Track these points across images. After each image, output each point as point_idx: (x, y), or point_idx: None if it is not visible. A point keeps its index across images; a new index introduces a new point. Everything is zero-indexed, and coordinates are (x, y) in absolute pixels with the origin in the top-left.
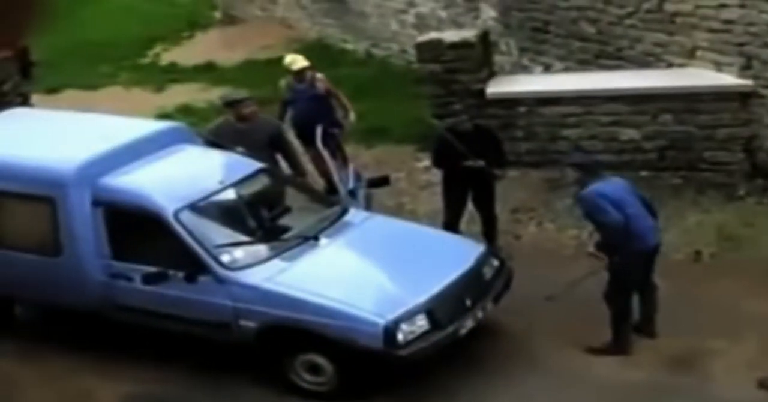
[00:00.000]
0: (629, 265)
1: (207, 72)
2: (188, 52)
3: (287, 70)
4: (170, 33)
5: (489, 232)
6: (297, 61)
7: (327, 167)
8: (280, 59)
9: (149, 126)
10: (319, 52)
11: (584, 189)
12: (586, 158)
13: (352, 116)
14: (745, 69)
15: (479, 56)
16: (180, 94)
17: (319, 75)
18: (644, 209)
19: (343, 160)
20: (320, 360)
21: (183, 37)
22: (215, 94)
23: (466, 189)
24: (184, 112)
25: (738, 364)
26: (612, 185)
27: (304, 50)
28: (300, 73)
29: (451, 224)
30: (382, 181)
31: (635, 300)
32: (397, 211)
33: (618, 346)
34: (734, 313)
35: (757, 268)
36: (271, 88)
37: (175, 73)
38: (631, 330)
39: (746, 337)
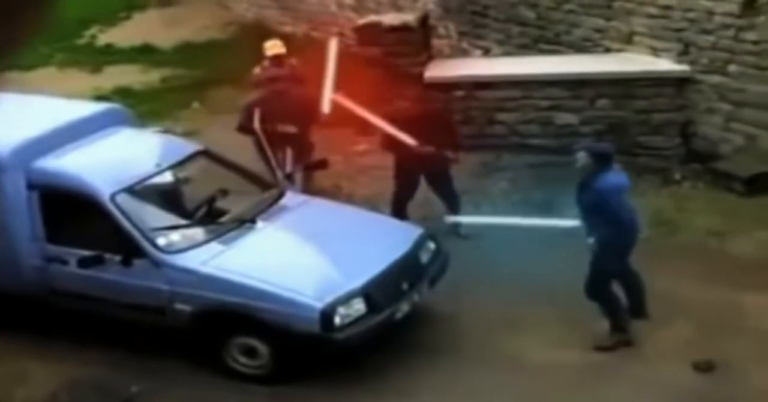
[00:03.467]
0: (618, 259)
1: (144, 53)
2: (125, 34)
3: (263, 56)
4: (106, 14)
5: (453, 211)
6: (273, 47)
7: (265, 151)
8: (218, 41)
9: (86, 108)
10: (257, 34)
11: (595, 179)
12: (602, 147)
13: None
14: (682, 55)
15: (419, 40)
16: (117, 75)
17: (293, 61)
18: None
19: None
20: (256, 343)
21: (119, 18)
22: (153, 75)
23: (418, 174)
24: (121, 94)
25: (674, 346)
26: (622, 178)
27: (242, 32)
28: (275, 59)
29: (398, 208)
30: (320, 165)
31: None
32: (335, 194)
33: (621, 338)
34: (670, 297)
35: (691, 253)
36: (208, 69)
37: (112, 55)
38: (628, 318)
39: (681, 321)
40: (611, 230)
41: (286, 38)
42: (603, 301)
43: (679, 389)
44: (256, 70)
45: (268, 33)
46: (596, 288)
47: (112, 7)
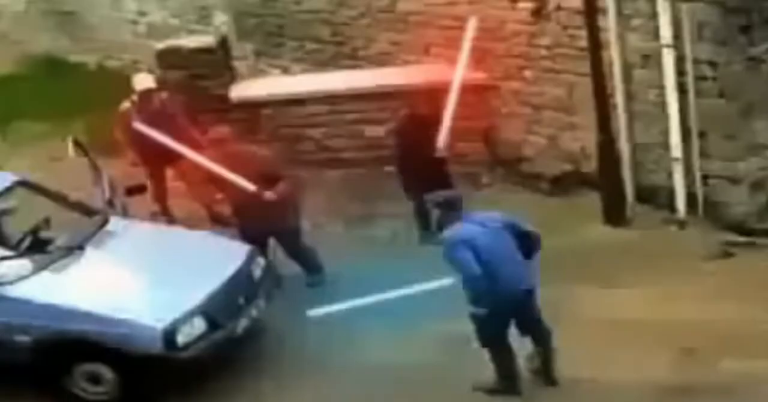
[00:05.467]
0: (495, 314)
1: None
2: None
3: (132, 91)
4: None
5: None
6: (143, 81)
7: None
8: (11, 75)
9: None
10: (48, 66)
11: (445, 229)
12: (446, 195)
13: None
14: (477, 63)
15: (221, 61)
16: None
17: (164, 95)
18: (515, 249)
19: (96, 171)
20: (101, 369)
21: None
22: None
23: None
24: None
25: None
26: (475, 226)
27: (34, 65)
28: (146, 94)
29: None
30: (139, 189)
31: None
32: (152, 218)
33: (506, 386)
34: None
35: None
36: (4, 102)
37: None
38: (516, 368)
39: None
40: (465, 282)
41: (77, 69)
42: (490, 354)
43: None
44: (125, 105)
45: (60, 64)
46: (484, 343)
47: None
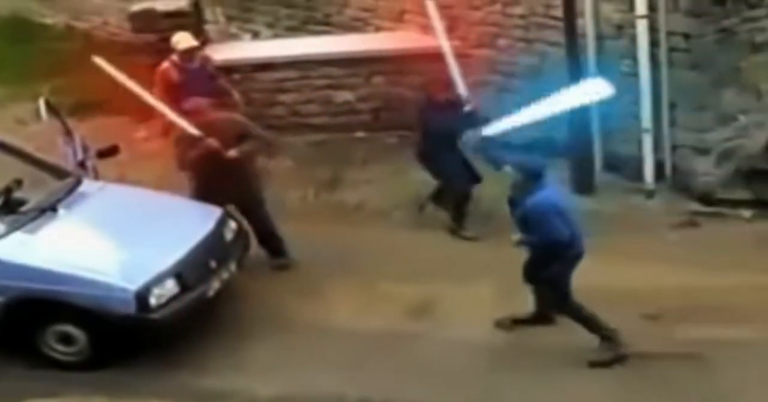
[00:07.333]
0: (566, 271)
1: None
2: None
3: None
4: None
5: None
6: (184, 40)
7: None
8: None
9: None
10: (15, 26)
11: (528, 196)
12: (529, 160)
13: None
14: (451, 31)
15: (194, 25)
16: None
17: (204, 54)
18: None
19: (68, 133)
20: (72, 330)
21: None
22: None
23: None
24: None
25: (475, 307)
26: (557, 193)
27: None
28: (188, 53)
29: None
30: (112, 151)
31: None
32: (121, 181)
33: (611, 349)
34: (469, 261)
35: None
36: None
37: None
38: (602, 324)
39: (481, 283)
40: (548, 244)
41: (45, 30)
42: (575, 316)
43: (483, 347)
44: (164, 64)
45: (27, 25)
46: (562, 304)
47: None
